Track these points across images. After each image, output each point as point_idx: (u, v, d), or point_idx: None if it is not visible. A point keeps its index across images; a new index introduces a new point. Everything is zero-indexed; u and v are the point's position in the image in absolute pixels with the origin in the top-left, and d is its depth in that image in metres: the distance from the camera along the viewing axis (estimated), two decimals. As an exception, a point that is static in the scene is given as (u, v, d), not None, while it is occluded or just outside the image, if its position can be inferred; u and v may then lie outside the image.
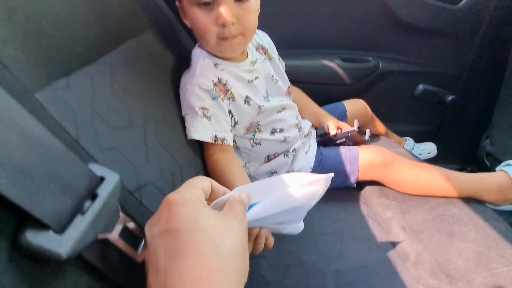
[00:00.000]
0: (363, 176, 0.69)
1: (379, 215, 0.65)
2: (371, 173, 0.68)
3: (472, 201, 0.64)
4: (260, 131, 0.67)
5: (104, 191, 0.22)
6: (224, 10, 0.49)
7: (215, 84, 0.57)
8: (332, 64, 0.88)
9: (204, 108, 0.56)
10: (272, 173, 0.71)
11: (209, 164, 0.60)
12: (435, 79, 0.97)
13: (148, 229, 0.22)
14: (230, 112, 0.60)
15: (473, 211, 0.61)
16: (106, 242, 0.21)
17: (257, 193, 0.28)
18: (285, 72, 0.75)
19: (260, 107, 0.63)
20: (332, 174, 0.30)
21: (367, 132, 0.76)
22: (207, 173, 0.58)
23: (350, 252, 0.57)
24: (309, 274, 0.54)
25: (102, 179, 0.23)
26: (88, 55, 0.36)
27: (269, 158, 0.69)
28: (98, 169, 0.23)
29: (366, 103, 0.88)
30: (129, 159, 0.32)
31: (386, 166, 0.67)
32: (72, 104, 0.29)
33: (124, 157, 0.31)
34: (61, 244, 0.17)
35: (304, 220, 0.64)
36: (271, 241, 0.35)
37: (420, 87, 0.97)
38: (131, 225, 0.24)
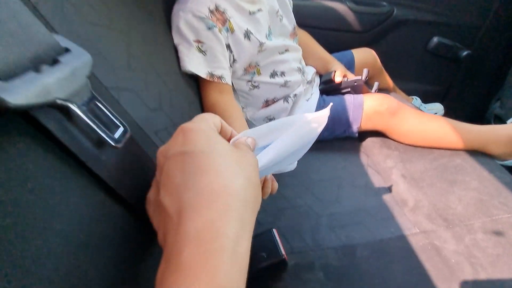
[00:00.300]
0: (366, 125, 0.66)
1: (379, 165, 0.63)
2: (375, 122, 0.65)
3: (477, 153, 0.61)
4: (259, 72, 0.62)
5: (67, 60, 0.18)
6: None
7: (211, 12, 0.50)
8: (343, 6, 0.81)
9: (198, 41, 0.50)
10: (270, 119, 0.67)
11: (206, 107, 0.56)
12: (452, 32, 0.90)
13: (161, 154, 0.21)
14: (228, 46, 0.54)
15: (478, 162, 0.58)
16: (70, 116, 0.18)
17: (262, 138, 0.26)
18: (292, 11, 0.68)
19: (261, 44, 0.57)
20: (331, 104, 0.29)
21: (375, 85, 0.71)
22: (203, 109, 0.55)
23: (347, 198, 0.56)
24: (303, 216, 0.53)
25: (67, 50, 0.19)
26: None
27: (267, 103, 0.65)
28: (63, 41, 0.19)
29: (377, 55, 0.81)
30: (106, 56, 0.28)
31: (392, 114, 0.63)
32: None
33: (99, 52, 0.27)
34: (6, 90, 0.14)
35: (301, 169, 0.62)
36: (276, 185, 0.35)
37: (435, 40, 0.90)
38: (104, 113, 0.21)
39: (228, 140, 0.25)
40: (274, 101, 0.65)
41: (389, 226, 0.50)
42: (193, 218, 0.17)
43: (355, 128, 0.65)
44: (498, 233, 0.45)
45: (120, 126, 0.21)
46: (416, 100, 0.96)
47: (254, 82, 0.62)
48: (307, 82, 0.70)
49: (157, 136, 0.31)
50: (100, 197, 0.21)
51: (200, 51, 0.51)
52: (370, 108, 0.64)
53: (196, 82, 0.54)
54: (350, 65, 0.78)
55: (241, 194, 0.18)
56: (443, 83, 1.01)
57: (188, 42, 0.50)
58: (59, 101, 0.17)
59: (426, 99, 1.00)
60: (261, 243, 0.43)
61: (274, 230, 0.44)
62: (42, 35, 0.18)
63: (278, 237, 0.43)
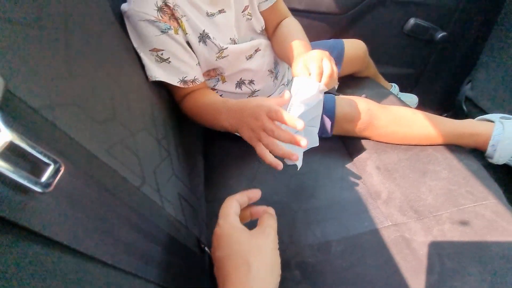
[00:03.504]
0: (339, 132, 0.62)
1: (355, 155, 0.62)
2: (347, 131, 0.62)
3: (448, 141, 0.62)
4: (224, 80, 0.56)
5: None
6: None
7: (159, 10, 0.43)
8: (319, -13, 0.76)
9: (156, 50, 0.44)
10: None
11: (185, 108, 0.51)
12: (428, 13, 0.88)
13: (212, 254, 0.32)
14: (188, 43, 0.48)
15: (448, 150, 0.60)
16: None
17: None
18: None
19: (221, 50, 0.50)
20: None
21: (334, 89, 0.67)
22: (171, 109, 0.50)
23: (323, 192, 0.56)
24: (279, 213, 0.52)
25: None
26: None
27: None
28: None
29: (353, 37, 0.78)
30: (35, 67, 0.23)
31: (365, 128, 0.60)
32: None
33: (24, 61, 0.22)
34: None
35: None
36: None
37: (411, 21, 0.88)
38: (28, 147, 0.17)
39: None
40: None
41: (362, 220, 0.50)
42: None
43: (329, 132, 0.62)
44: (464, 223, 0.47)
45: (50, 164, 0.18)
46: (395, 88, 0.96)
47: (217, 91, 0.57)
48: (284, 84, 0.66)
49: (109, 154, 0.28)
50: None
51: (163, 60, 0.45)
52: (340, 119, 0.60)
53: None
54: (339, 57, 0.72)
55: (255, 281, 0.28)
56: (417, 66, 1.01)
57: (145, 52, 0.44)
58: None
59: (402, 83, 1.00)
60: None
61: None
62: None
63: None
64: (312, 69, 0.45)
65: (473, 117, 0.94)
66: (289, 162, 0.46)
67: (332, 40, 0.73)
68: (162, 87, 0.50)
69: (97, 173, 0.25)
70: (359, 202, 0.53)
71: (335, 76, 0.47)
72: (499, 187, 0.53)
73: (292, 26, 0.61)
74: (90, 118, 0.27)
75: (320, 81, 0.44)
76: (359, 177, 0.58)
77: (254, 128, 0.41)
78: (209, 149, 0.66)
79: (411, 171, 0.56)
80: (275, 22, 0.62)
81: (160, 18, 0.43)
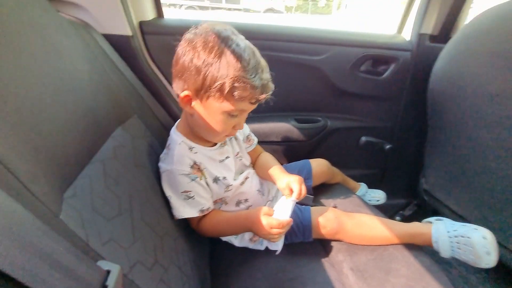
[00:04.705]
0: (317, 236, 0.79)
1: (333, 258, 0.76)
2: (324, 237, 0.79)
3: (405, 240, 0.78)
4: (226, 203, 0.77)
5: (111, 281, 0.31)
6: (243, 121, 0.64)
7: (191, 167, 0.65)
8: (288, 125, 1.05)
9: (186, 191, 0.64)
10: None
11: (203, 228, 0.69)
12: (374, 132, 1.17)
13: None
14: (207, 184, 0.69)
15: (406, 249, 0.75)
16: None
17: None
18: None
19: (228, 186, 0.72)
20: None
21: (311, 199, 0.87)
22: (186, 236, 0.67)
23: (310, 295, 0.67)
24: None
25: (108, 272, 0.32)
26: (84, 157, 0.46)
27: None
28: (105, 265, 0.33)
29: (320, 155, 1.03)
30: (121, 244, 0.41)
31: (334, 233, 0.77)
32: (78, 209, 0.38)
33: (118, 244, 0.40)
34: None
35: (270, 270, 0.74)
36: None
37: (363, 139, 1.16)
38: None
39: None
40: None
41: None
42: None
43: (308, 238, 0.78)
44: (422, 317, 0.58)
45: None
46: (363, 187, 1.16)
47: (222, 210, 0.77)
48: (271, 200, 0.86)
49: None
50: None
51: (189, 197, 0.65)
52: (316, 228, 0.77)
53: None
54: (308, 174, 0.94)
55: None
56: (379, 167, 1.25)
57: (177, 194, 0.64)
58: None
59: (370, 182, 1.22)
60: None
61: None
62: (96, 271, 0.31)
63: None
64: (294, 189, 0.69)
65: (434, 206, 1.13)
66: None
67: (301, 161, 0.97)
68: (179, 221, 0.68)
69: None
70: (340, 303, 0.65)
71: (304, 193, 0.70)
72: (448, 280, 0.67)
73: (267, 157, 0.87)
74: (143, 265, 0.44)
75: (295, 197, 0.68)
76: (338, 279, 0.71)
77: (264, 233, 0.63)
78: (214, 259, 0.79)
79: (378, 271, 0.70)
80: (255, 157, 0.88)
81: (192, 172, 0.65)
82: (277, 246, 0.77)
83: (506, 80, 0.75)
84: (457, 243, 0.70)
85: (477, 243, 0.67)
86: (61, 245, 0.28)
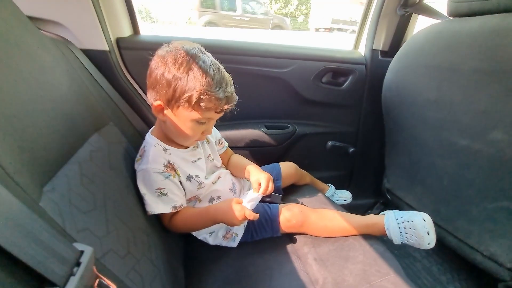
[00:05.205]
0: (285, 231, 0.85)
1: (300, 251, 0.83)
2: (290, 229, 0.85)
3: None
4: (200, 200, 0.83)
5: (85, 259, 0.36)
6: (211, 127, 0.71)
7: (165, 166, 0.71)
8: (259, 131, 1.13)
9: (160, 188, 0.69)
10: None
11: (175, 224, 0.73)
12: (339, 137, 1.28)
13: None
14: (180, 182, 0.75)
15: (363, 238, 0.83)
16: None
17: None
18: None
19: (200, 184, 0.79)
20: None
21: (279, 197, 0.94)
22: (160, 233, 0.71)
23: (276, 284, 0.73)
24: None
25: (82, 252, 0.37)
26: (63, 157, 0.51)
27: None
28: (79, 246, 0.38)
29: (291, 159, 1.11)
30: (95, 233, 0.46)
31: (300, 226, 0.84)
32: (56, 201, 0.43)
33: (92, 233, 0.45)
34: (65, 294, 0.31)
35: (240, 262, 0.79)
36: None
37: (329, 143, 1.26)
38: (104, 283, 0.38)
39: None
40: None
41: (307, 304, 0.67)
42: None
43: (277, 233, 0.85)
44: (373, 295, 0.66)
45: None
46: (331, 188, 1.25)
47: (196, 207, 0.82)
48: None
49: (128, 278, 0.48)
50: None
51: (162, 194, 0.70)
52: (283, 222, 0.84)
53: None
54: (278, 175, 1.01)
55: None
56: (346, 169, 1.35)
57: (151, 192, 0.68)
58: None
59: (338, 183, 1.31)
60: None
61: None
62: (72, 251, 0.36)
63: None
64: (262, 184, 0.78)
65: (396, 203, 1.23)
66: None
67: (271, 164, 1.05)
68: (152, 218, 0.72)
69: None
70: (304, 289, 0.71)
71: (271, 190, 0.79)
72: (398, 264, 0.75)
73: (239, 158, 0.96)
74: (115, 254, 0.49)
75: (262, 192, 0.77)
76: (303, 269, 0.77)
77: (233, 219, 0.69)
78: (189, 258, 0.84)
79: (338, 259, 0.77)
80: (226, 158, 0.95)
81: (166, 170, 0.70)
82: (240, 230, 0.84)
83: (441, 89, 0.87)
84: (404, 228, 0.79)
85: (418, 224, 0.77)
86: (41, 226, 0.33)
